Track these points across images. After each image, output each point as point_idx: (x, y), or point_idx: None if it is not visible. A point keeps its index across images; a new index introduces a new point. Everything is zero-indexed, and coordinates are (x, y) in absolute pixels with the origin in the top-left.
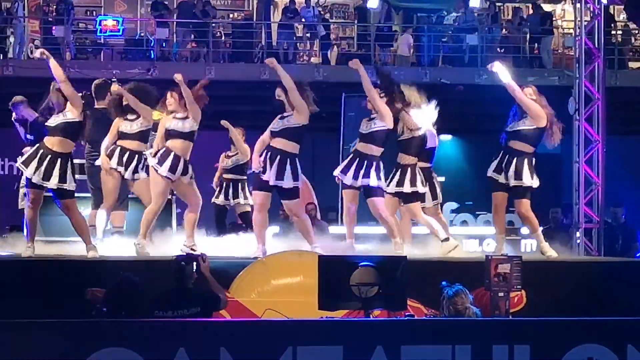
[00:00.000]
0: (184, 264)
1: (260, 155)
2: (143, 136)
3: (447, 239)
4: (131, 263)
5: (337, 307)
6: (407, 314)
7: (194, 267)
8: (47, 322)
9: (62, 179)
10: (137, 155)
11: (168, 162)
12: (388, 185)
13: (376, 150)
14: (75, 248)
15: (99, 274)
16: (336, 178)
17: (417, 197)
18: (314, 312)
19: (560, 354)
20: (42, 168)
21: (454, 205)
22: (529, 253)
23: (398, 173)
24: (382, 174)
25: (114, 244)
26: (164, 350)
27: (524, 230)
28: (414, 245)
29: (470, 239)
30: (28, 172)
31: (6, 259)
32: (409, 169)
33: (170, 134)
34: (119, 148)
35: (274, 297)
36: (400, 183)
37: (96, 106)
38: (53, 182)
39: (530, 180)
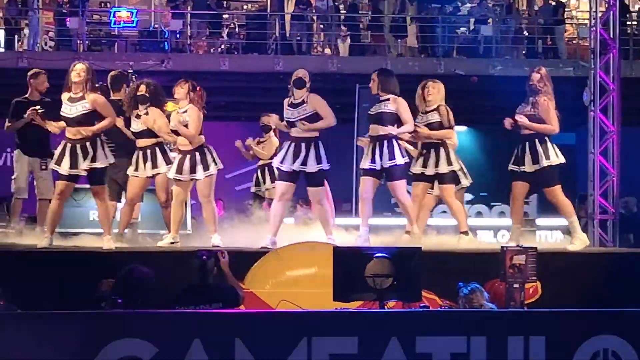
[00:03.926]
0: (206, 259)
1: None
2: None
3: (466, 233)
4: (146, 255)
5: (351, 298)
6: (421, 305)
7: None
8: (63, 314)
9: (93, 159)
10: (149, 151)
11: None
12: (420, 167)
13: (384, 130)
14: (87, 239)
15: (115, 265)
16: (360, 170)
17: (454, 178)
18: (328, 303)
19: (576, 346)
20: (73, 158)
21: (468, 196)
22: (545, 244)
23: (432, 153)
24: (397, 153)
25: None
26: (179, 342)
27: (539, 222)
28: (428, 236)
29: (485, 230)
30: (62, 169)
31: (22, 249)
32: (442, 148)
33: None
34: (134, 152)
35: (289, 289)
36: (432, 165)
37: (112, 97)
38: (85, 165)
39: (546, 160)
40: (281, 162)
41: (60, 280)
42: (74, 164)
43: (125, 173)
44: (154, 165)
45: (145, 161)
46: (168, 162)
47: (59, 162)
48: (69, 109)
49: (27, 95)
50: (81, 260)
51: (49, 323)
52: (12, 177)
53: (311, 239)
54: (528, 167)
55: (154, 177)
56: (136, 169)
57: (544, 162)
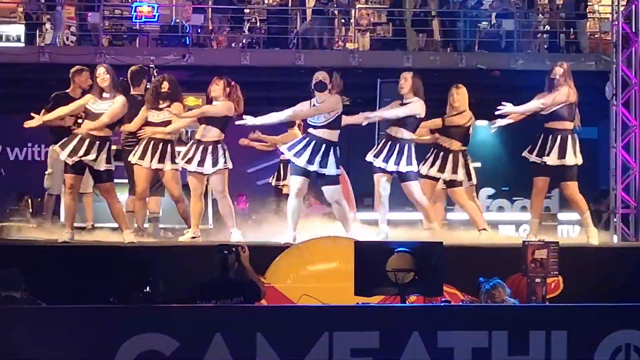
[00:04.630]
0: (227, 254)
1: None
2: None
3: (484, 229)
4: (167, 249)
5: (373, 292)
6: (443, 299)
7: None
8: (84, 308)
9: (102, 160)
10: (161, 144)
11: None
12: (430, 169)
13: (407, 135)
14: (108, 234)
15: (136, 259)
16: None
17: (457, 182)
18: (350, 297)
19: (598, 341)
20: (81, 150)
21: (490, 191)
22: (566, 239)
23: (440, 157)
24: (413, 159)
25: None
26: (201, 336)
27: (561, 216)
28: (449, 231)
29: (506, 224)
30: (63, 155)
31: (44, 244)
32: (451, 155)
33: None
34: (144, 141)
35: (310, 283)
36: (441, 169)
37: (132, 93)
38: (91, 158)
39: (573, 158)
40: (297, 156)
41: (83, 274)
42: (77, 154)
43: None
44: (161, 159)
45: (153, 153)
46: (174, 160)
47: (63, 147)
48: (97, 105)
49: (68, 91)
50: (103, 255)
51: (71, 317)
52: (46, 172)
53: (332, 234)
54: (551, 160)
55: (158, 170)
56: (142, 158)
57: (571, 161)
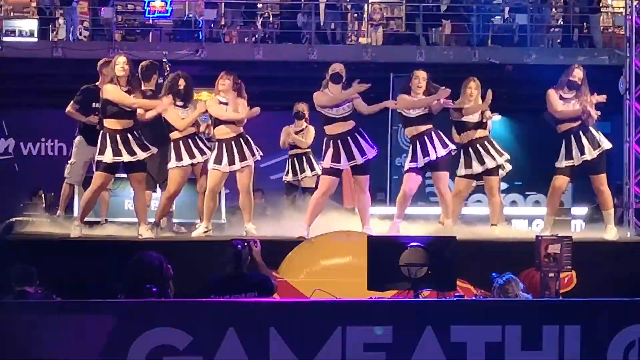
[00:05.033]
0: (240, 248)
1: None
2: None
3: (495, 225)
4: (180, 244)
5: (386, 287)
6: (456, 294)
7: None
8: (98, 302)
9: (131, 152)
10: (191, 140)
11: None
12: (470, 168)
13: (425, 127)
14: (121, 229)
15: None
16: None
17: (495, 171)
18: (363, 292)
19: (611, 335)
20: (125, 149)
21: (503, 185)
22: (580, 233)
23: (485, 150)
24: (446, 139)
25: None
26: (214, 331)
27: (574, 211)
28: (461, 225)
29: (519, 219)
30: (106, 157)
31: (58, 238)
32: (491, 141)
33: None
34: (181, 142)
35: (323, 278)
36: (490, 160)
37: (143, 88)
38: (126, 157)
39: (607, 143)
40: (340, 162)
41: (96, 269)
42: (117, 153)
43: (158, 164)
44: (201, 152)
45: (197, 147)
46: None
47: (110, 155)
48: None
49: (97, 83)
50: (116, 249)
51: (85, 311)
52: (70, 161)
53: (345, 228)
54: (589, 154)
55: (195, 165)
56: (191, 157)
57: (606, 145)
